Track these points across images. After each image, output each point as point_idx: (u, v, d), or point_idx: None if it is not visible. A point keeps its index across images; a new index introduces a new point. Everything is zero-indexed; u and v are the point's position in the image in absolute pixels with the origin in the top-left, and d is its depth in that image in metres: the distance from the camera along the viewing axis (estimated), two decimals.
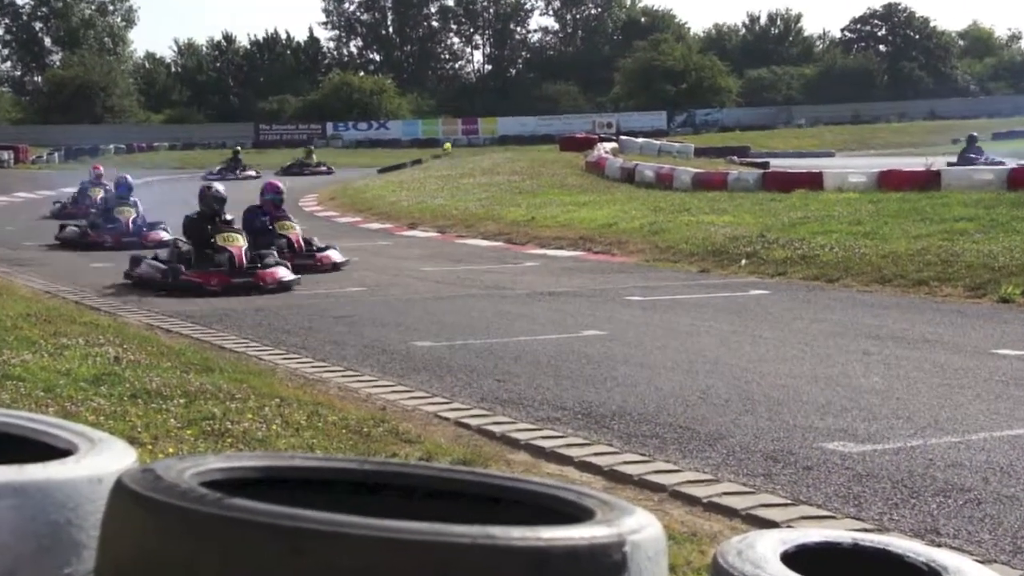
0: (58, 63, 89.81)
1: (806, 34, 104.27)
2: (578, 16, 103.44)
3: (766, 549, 1.78)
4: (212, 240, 14.68)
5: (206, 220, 15.03)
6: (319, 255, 16.27)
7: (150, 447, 5.89)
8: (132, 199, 22.53)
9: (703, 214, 20.45)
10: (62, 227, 22.14)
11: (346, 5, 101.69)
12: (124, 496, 1.56)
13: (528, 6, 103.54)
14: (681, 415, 7.25)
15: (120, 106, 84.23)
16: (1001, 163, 26.73)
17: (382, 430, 6.65)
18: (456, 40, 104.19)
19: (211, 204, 15.17)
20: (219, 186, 15.87)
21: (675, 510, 5.45)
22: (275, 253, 15.05)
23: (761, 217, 19.27)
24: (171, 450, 5.83)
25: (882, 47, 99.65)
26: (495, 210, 24.60)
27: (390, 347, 9.95)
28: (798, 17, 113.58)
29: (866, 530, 4.91)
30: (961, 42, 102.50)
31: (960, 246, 14.81)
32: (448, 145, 51.91)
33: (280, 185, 17.76)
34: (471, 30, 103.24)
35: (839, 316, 11.54)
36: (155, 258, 15.10)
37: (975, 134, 36.18)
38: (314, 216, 28.98)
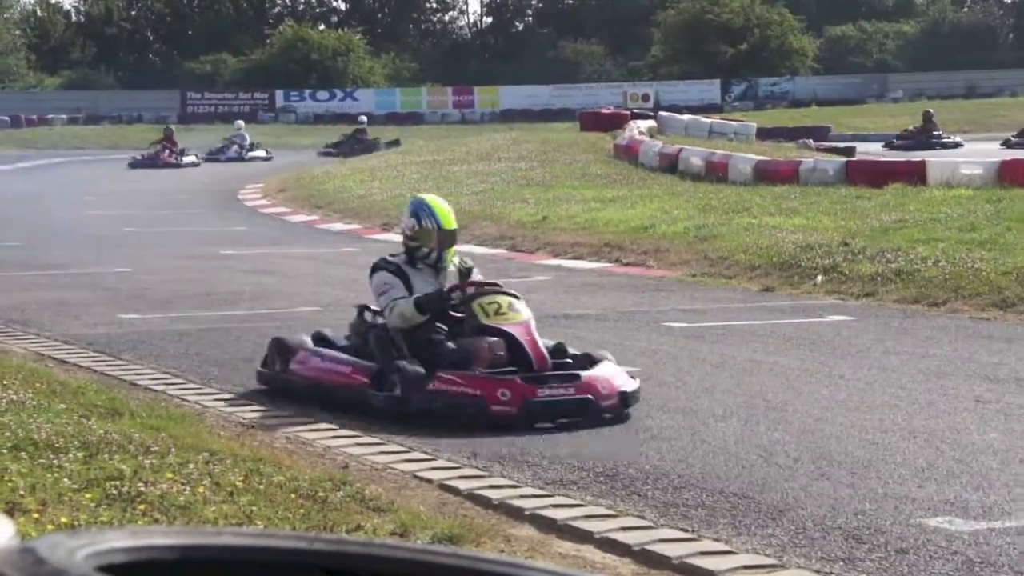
0: None
1: None
2: None
3: None
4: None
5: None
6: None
7: (36, 516, 5.87)
8: None
9: (767, 215, 20.44)
10: None
11: None
12: None
13: None
14: (735, 479, 7.23)
15: (3, 66, 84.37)
16: None
17: (343, 495, 6.64)
18: None
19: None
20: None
21: None
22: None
23: (843, 220, 19.27)
24: (64, 520, 5.81)
25: None
26: (495, 208, 24.62)
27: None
28: None
29: None
30: None
31: None
32: None
33: None
34: None
35: (945, 351, 11.52)
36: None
37: None
38: (258, 213, 29.03)
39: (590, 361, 9.32)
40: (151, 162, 43.66)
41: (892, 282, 15.08)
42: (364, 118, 55.87)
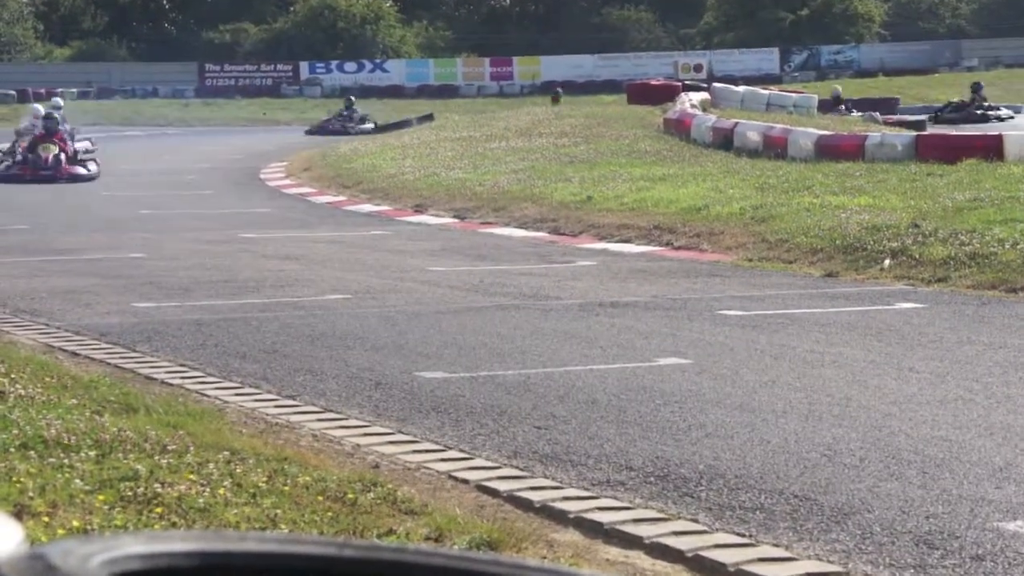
0: None
1: None
2: None
3: None
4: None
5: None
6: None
7: (46, 520, 5.91)
8: None
9: (830, 194, 20.38)
10: None
11: None
12: None
13: None
14: (796, 480, 7.22)
15: (9, 36, 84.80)
16: None
17: (373, 497, 6.66)
18: None
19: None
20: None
21: None
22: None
23: (913, 199, 19.19)
24: (75, 524, 5.85)
25: None
26: (536, 187, 24.61)
27: (386, 379, 9.97)
28: None
29: None
30: None
31: None
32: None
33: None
34: None
35: None
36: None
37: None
38: (281, 193, 29.11)
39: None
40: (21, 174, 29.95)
41: (966, 266, 15.01)
42: (59, 100, 40.10)
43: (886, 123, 36.66)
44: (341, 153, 35.41)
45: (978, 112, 42.21)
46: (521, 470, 7.57)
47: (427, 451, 8.01)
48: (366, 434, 8.43)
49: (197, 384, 9.90)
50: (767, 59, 78.81)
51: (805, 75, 74.46)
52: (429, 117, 48.53)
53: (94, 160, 31.56)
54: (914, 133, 27.82)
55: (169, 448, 7.19)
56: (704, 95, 40.37)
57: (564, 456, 7.82)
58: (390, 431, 8.50)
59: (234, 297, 14.25)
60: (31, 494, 6.25)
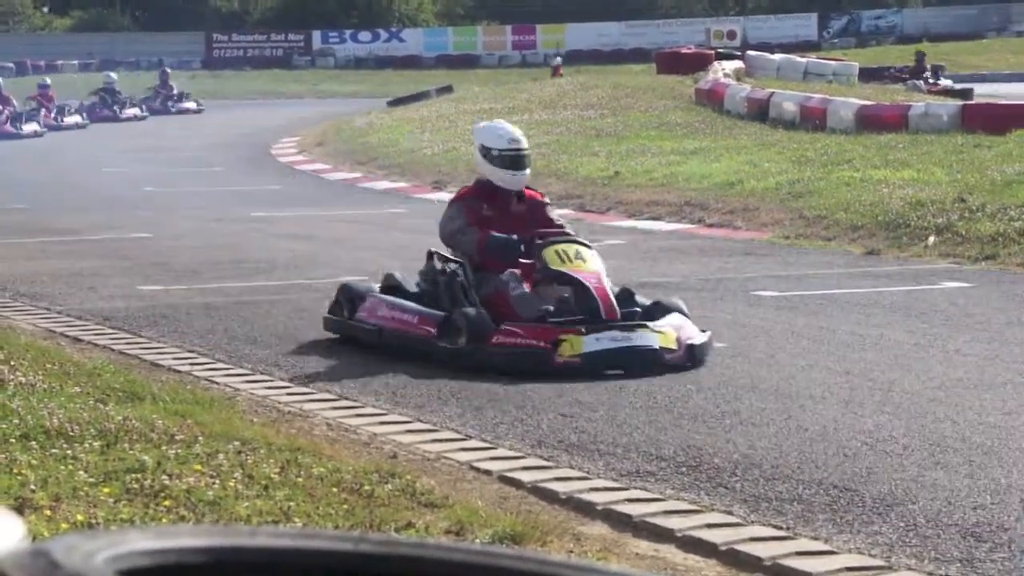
0: None
1: None
2: None
3: None
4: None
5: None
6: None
7: (48, 514, 5.93)
8: None
9: (871, 168, 20.32)
10: None
11: None
12: None
13: None
14: (836, 469, 7.21)
15: (7, 5, 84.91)
16: None
17: (391, 489, 6.67)
18: None
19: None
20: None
21: None
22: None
23: (959, 173, 19.12)
24: (80, 518, 5.87)
25: None
26: (560, 162, 24.59)
27: (404, 365, 9.97)
28: None
29: None
30: None
31: None
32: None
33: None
34: None
35: None
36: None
37: None
38: (294, 170, 29.12)
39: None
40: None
41: (1016, 243, 14.97)
42: None
43: (930, 92, 36.53)
44: (356, 128, 35.39)
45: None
46: (546, 460, 7.58)
47: (447, 440, 8.02)
48: (383, 423, 8.45)
49: (206, 371, 9.92)
50: (804, 25, 78.48)
51: (845, 41, 74.16)
52: (448, 89, 48.46)
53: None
54: (960, 102, 27.72)
55: (177, 438, 7.21)
56: (738, 64, 40.24)
57: (591, 445, 7.82)
58: (408, 419, 8.52)
59: (245, 279, 14.27)
60: (33, 487, 6.27)
